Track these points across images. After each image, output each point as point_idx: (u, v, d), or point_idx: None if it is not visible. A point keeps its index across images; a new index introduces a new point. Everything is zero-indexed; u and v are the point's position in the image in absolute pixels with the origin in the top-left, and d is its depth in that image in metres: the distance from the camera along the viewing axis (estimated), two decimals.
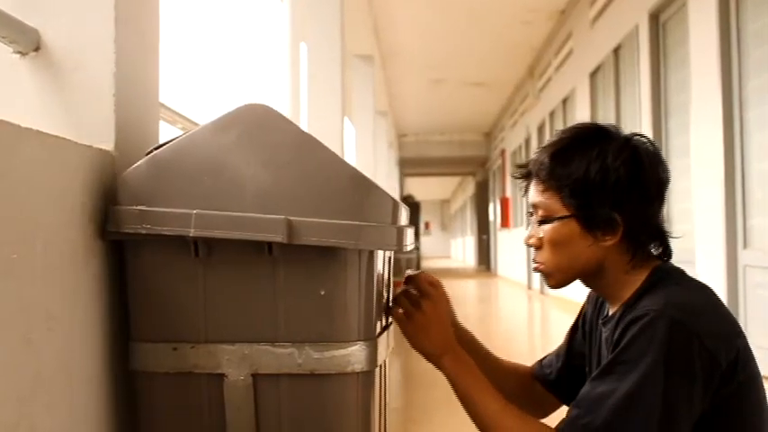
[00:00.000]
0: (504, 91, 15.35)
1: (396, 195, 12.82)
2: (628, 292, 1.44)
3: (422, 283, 1.55)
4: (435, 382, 4.99)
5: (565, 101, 11.01)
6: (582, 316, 1.68)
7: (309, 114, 5.46)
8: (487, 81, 14.35)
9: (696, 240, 5.81)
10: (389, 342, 1.50)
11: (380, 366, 1.45)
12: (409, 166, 21.62)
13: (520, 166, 1.55)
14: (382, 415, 1.50)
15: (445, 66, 13.05)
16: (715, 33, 5.38)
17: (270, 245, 1.25)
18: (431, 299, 1.52)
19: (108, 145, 1.43)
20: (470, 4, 9.73)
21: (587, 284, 1.54)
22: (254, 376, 1.30)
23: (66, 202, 1.25)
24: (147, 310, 1.34)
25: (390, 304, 1.55)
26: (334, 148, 5.52)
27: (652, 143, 1.49)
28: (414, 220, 23.30)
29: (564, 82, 10.87)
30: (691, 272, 5.13)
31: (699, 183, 5.81)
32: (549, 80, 12.07)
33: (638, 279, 1.45)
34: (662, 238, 1.49)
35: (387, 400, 1.54)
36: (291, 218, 1.25)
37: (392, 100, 15.26)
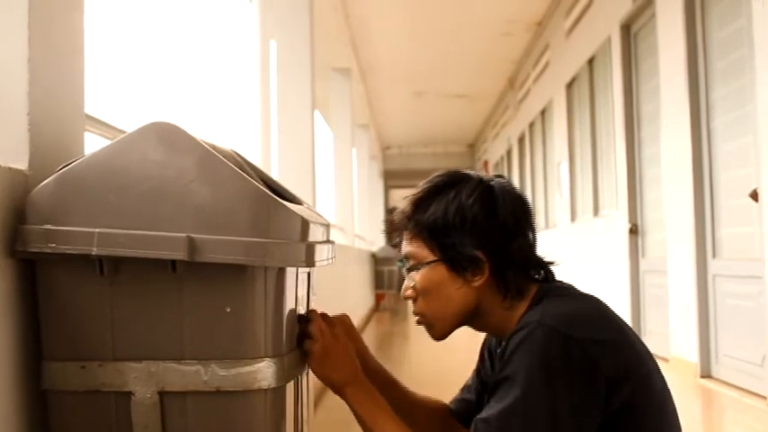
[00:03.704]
0: (486, 102, 15.40)
1: (380, 207, 12.76)
2: (515, 324, 1.44)
3: (327, 317, 1.56)
4: (426, 388, 4.99)
5: (543, 112, 11.07)
6: (486, 347, 1.69)
7: (279, 110, 5.43)
8: (469, 93, 14.39)
9: (668, 250, 5.83)
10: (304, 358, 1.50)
11: (296, 382, 1.46)
12: (394, 178, 21.63)
13: (389, 221, 1.58)
14: (303, 430, 1.50)
15: (426, 78, 13.08)
16: (682, 43, 5.42)
17: (174, 262, 1.26)
18: (342, 326, 1.53)
19: (22, 164, 1.43)
20: (449, 16, 9.76)
21: (475, 328, 1.55)
22: (161, 394, 1.30)
23: None
24: (56, 328, 1.33)
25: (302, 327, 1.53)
26: (305, 143, 5.48)
27: (509, 181, 1.53)
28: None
29: (542, 93, 10.93)
30: (663, 281, 5.17)
31: (669, 192, 5.84)
32: (528, 92, 12.12)
33: (523, 308, 1.46)
34: (536, 267, 1.50)
35: (305, 415, 1.54)
36: (194, 235, 1.25)
37: (374, 113, 15.28)
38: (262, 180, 1.55)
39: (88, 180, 1.30)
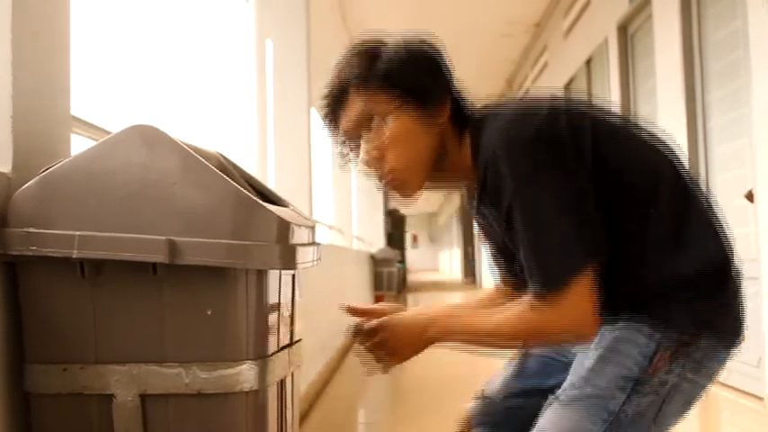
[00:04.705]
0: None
1: (380, 208, 12.60)
2: (469, 160, 1.47)
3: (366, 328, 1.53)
4: (421, 392, 4.97)
5: None
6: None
7: (275, 108, 5.40)
8: (468, 94, 14.36)
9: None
10: (291, 359, 1.50)
11: (279, 384, 1.45)
12: None
13: (326, 98, 1.51)
14: None
15: None
16: (678, 44, 5.41)
17: (154, 265, 1.26)
18: (381, 325, 1.50)
19: (5, 167, 1.43)
20: (449, 17, 9.76)
21: (437, 181, 1.54)
22: (143, 397, 1.30)
23: None
24: (38, 331, 1.33)
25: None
26: (301, 141, 5.44)
27: None
28: (399, 234, 23.35)
29: (540, 94, 10.90)
30: None
31: None
32: (526, 93, 12.10)
33: (468, 144, 1.49)
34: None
35: (290, 418, 1.54)
36: (175, 238, 1.25)
37: None
38: (246, 182, 1.55)
39: (70, 183, 1.30)
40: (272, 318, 1.39)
